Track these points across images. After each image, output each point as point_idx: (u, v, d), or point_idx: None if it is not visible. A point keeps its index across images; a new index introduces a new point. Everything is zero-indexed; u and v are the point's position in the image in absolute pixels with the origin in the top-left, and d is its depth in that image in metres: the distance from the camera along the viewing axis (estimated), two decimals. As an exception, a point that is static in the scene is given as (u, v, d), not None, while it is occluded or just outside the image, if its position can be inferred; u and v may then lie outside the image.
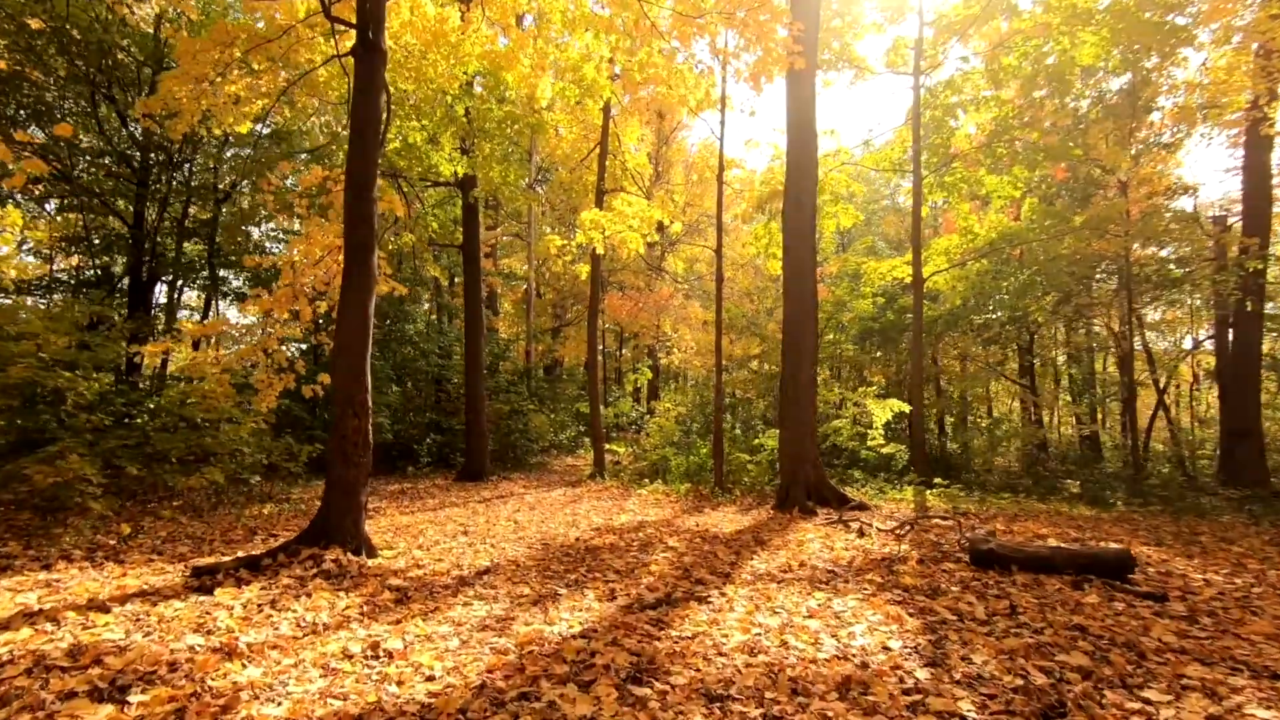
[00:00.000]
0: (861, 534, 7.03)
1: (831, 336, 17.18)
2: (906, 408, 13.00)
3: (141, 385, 9.77)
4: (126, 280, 14.31)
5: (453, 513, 9.19)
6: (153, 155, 15.33)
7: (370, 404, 5.87)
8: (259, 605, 4.24)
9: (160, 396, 9.26)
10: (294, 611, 4.16)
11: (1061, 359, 18.96)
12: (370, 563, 5.54)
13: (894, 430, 14.35)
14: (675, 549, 6.48)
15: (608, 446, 16.85)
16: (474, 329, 13.72)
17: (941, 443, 14.85)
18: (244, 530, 7.08)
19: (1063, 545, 5.85)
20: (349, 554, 5.43)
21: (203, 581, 4.71)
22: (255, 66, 8.71)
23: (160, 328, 12.19)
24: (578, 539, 7.07)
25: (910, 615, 4.21)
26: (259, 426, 9.69)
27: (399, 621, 4.08)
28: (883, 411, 13.04)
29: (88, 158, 14.81)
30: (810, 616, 4.21)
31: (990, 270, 14.29)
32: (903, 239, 22.99)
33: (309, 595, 4.49)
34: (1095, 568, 5.12)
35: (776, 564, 5.75)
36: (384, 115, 6.41)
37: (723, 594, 4.76)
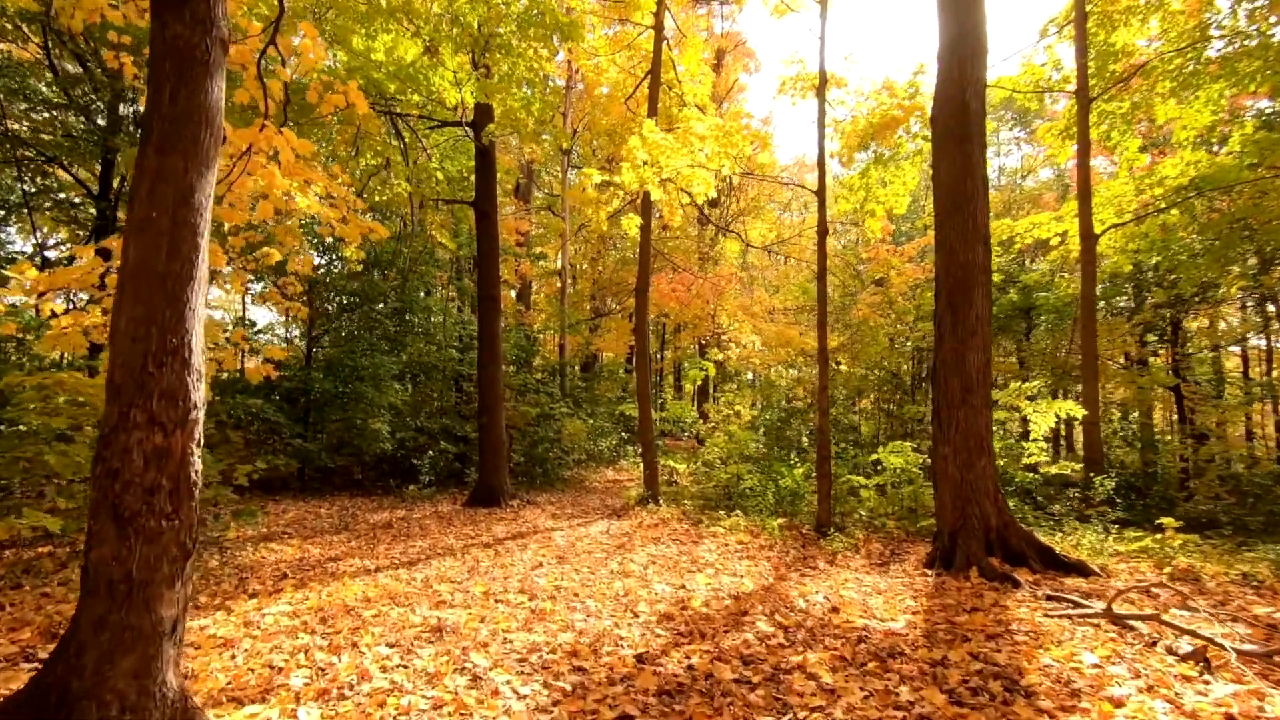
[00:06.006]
0: (1205, 664, 3.54)
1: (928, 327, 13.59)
2: (1080, 411, 9.34)
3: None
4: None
5: (440, 570, 6.01)
6: (122, 107, 12.84)
7: (199, 401, 2.70)
8: None
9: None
10: None
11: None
12: (157, 783, 2.35)
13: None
14: (843, 699, 3.13)
15: (660, 460, 13.52)
16: (489, 306, 10.54)
17: (1147, 466, 10.99)
18: (38, 630, 3.93)
19: None
20: (106, 762, 2.26)
21: None
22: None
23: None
24: (641, 656, 3.78)
25: None
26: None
27: None
28: (1043, 418, 9.43)
29: (39, 112, 12.33)
30: None
31: (1182, 224, 10.49)
32: (999, 213, 19.05)
33: None
34: None
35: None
36: None
37: None
